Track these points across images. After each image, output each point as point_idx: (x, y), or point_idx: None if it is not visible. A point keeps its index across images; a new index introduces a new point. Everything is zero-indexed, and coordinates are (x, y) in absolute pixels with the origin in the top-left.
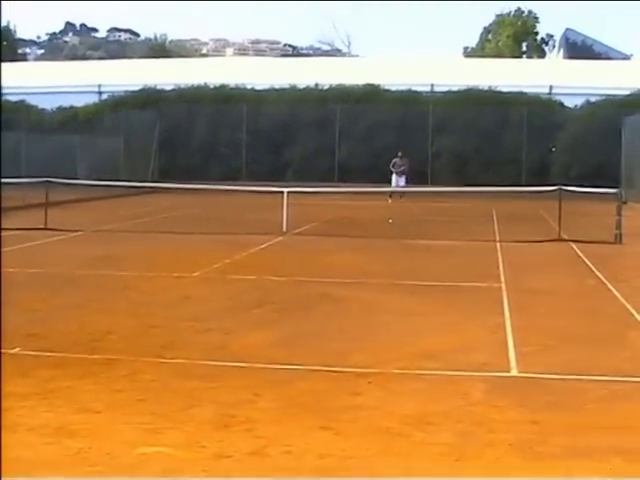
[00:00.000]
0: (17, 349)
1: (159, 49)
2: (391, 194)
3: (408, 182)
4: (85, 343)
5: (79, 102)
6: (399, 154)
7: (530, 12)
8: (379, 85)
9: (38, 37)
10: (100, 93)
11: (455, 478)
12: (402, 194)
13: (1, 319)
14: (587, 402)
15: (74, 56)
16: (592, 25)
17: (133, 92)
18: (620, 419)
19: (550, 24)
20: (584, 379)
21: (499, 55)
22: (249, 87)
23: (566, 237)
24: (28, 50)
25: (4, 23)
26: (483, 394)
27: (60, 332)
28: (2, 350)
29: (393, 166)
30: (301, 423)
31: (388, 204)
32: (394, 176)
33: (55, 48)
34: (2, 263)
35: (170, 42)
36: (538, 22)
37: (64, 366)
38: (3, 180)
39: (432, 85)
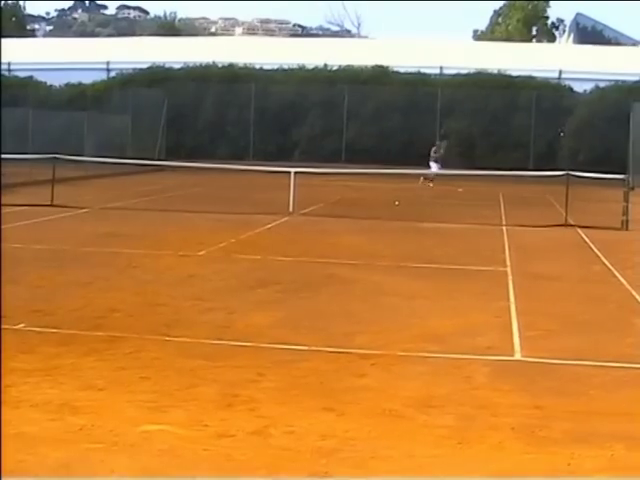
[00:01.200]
0: (22, 325)
1: (168, 27)
2: (432, 178)
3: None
4: (89, 320)
5: (87, 79)
6: (437, 142)
7: None
8: (388, 67)
9: (47, 13)
10: (108, 70)
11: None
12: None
13: (1, 300)
14: (590, 388)
15: (83, 33)
16: (603, 10)
17: (141, 70)
18: (623, 405)
19: (561, 8)
20: (588, 365)
21: (509, 39)
22: (257, 67)
23: (573, 222)
24: (37, 26)
25: None
26: (486, 378)
27: (65, 309)
28: (7, 326)
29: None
30: (304, 404)
31: (430, 187)
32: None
33: (64, 25)
34: (2, 240)
35: (179, 20)
36: (549, 6)
37: (68, 343)
38: (10, 156)
39: (441, 68)
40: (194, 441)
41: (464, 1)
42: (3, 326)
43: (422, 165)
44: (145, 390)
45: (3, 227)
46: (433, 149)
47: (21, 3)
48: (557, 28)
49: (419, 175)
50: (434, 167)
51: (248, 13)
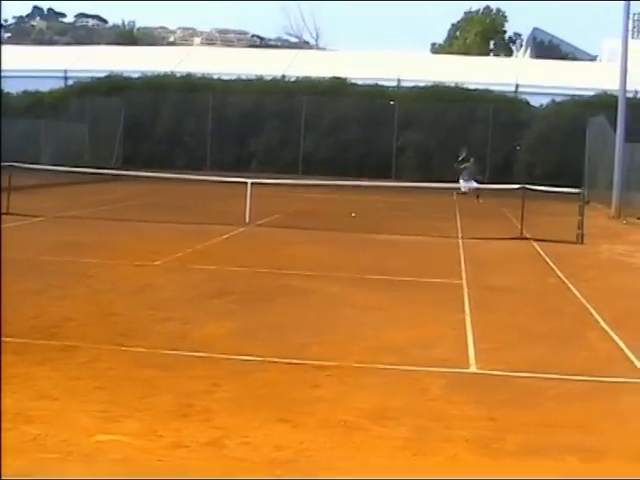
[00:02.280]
0: None
1: (127, 36)
2: (478, 195)
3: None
4: (44, 329)
5: (45, 87)
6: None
7: (499, 10)
8: (346, 79)
9: (5, 20)
10: (66, 78)
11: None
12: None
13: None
14: (544, 400)
15: (41, 41)
16: (560, 25)
17: (99, 78)
18: (577, 418)
19: (518, 23)
20: (542, 377)
21: (466, 52)
22: (216, 77)
23: (528, 235)
24: None
25: None
26: (441, 390)
27: (19, 318)
28: None
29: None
30: (259, 414)
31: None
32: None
33: (22, 32)
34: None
35: (138, 29)
36: (506, 21)
37: (23, 352)
38: None
39: (399, 80)
40: (148, 451)
41: (422, 14)
42: None
43: (380, 176)
44: (100, 400)
45: None
46: (463, 165)
47: None
48: (514, 42)
49: (374, 187)
50: (469, 183)
51: (207, 23)
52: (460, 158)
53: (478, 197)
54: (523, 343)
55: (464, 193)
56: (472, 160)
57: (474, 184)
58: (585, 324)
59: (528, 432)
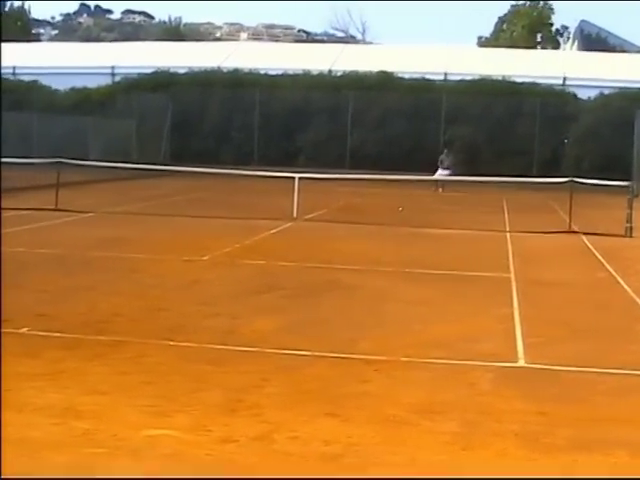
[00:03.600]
0: (26, 329)
1: (173, 32)
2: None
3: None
4: (93, 325)
5: (92, 83)
6: (445, 151)
7: (545, 3)
8: (392, 73)
9: (52, 18)
10: (113, 75)
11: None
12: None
13: (1, 303)
14: (594, 395)
15: (88, 37)
16: (607, 17)
17: (146, 75)
18: (626, 413)
19: (565, 15)
20: (591, 371)
21: (513, 45)
22: (262, 72)
23: (576, 229)
24: (42, 30)
25: (18, 3)
26: (490, 384)
27: (69, 313)
28: (11, 330)
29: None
30: (308, 409)
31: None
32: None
33: (69, 29)
34: (2, 243)
35: (184, 25)
36: (553, 13)
37: (72, 347)
38: (15, 160)
39: (445, 74)
40: (198, 446)
41: (469, 7)
42: (7, 330)
43: (427, 171)
44: (149, 395)
45: (7, 231)
46: (441, 157)
47: (26, 7)
48: (562, 35)
49: (425, 181)
50: (444, 173)
51: (253, 18)
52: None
53: (440, 187)
54: (572, 337)
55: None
56: (445, 151)
57: (444, 173)
58: (635, 318)
59: (578, 427)
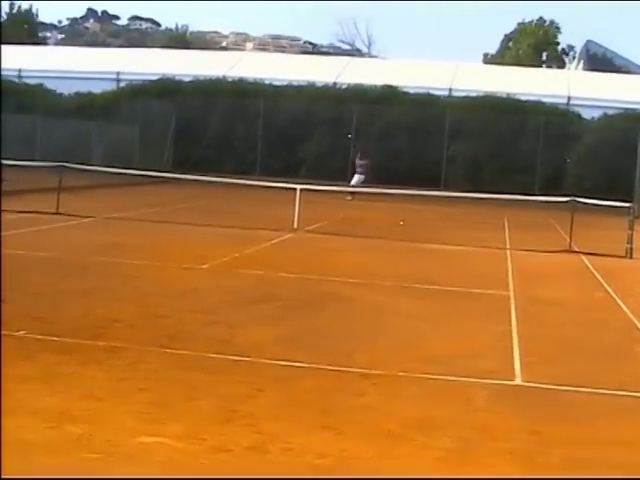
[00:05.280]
0: (23, 332)
1: (179, 40)
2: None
3: (364, 182)
4: (90, 330)
5: (97, 88)
6: (358, 155)
7: (552, 22)
8: (397, 87)
9: (59, 22)
10: (118, 81)
11: (452, 476)
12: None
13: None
14: (590, 415)
15: (94, 42)
16: (613, 38)
17: (151, 81)
18: (622, 434)
19: (571, 35)
20: (588, 392)
21: (519, 63)
22: (267, 82)
23: (576, 249)
24: (49, 34)
25: (26, 6)
26: (486, 401)
27: (66, 317)
28: (7, 332)
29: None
30: (303, 421)
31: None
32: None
33: (75, 33)
34: (2, 247)
35: (190, 33)
36: (560, 32)
37: (68, 351)
38: (17, 163)
39: (450, 90)
40: (191, 454)
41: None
42: (3, 333)
43: (429, 186)
44: (144, 401)
45: (6, 234)
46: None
47: (34, 10)
48: (567, 54)
49: (425, 196)
50: (355, 178)
51: (260, 29)
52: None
53: (352, 195)
54: (569, 357)
55: (353, 194)
56: (359, 155)
57: (358, 180)
58: (632, 339)
59: (573, 447)
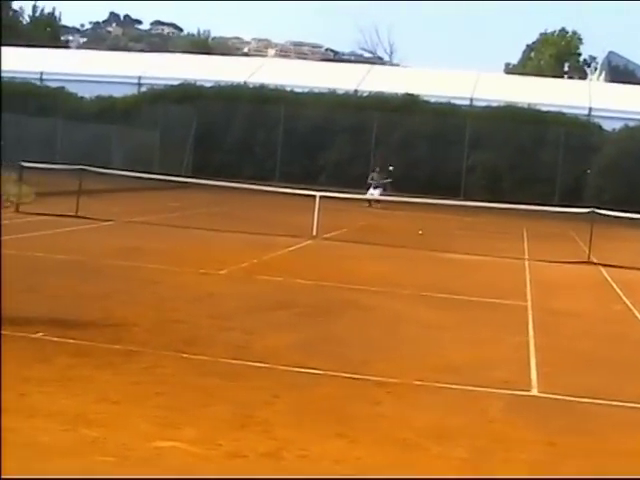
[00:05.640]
0: (40, 334)
1: (201, 45)
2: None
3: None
4: (108, 333)
5: (118, 92)
6: (376, 169)
7: (574, 33)
8: (418, 95)
9: (82, 25)
10: (140, 85)
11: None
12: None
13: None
14: (606, 427)
15: (116, 46)
16: (636, 50)
17: (172, 86)
18: (638, 447)
19: (593, 46)
20: (604, 404)
21: (540, 74)
22: (288, 89)
23: (595, 260)
24: (71, 38)
25: (49, 9)
26: (502, 412)
27: (84, 320)
28: (24, 334)
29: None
30: (318, 428)
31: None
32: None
33: (98, 37)
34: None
35: (212, 39)
36: (582, 43)
37: (85, 354)
38: (37, 165)
39: (471, 99)
40: (206, 460)
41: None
42: (21, 334)
43: (449, 195)
44: (159, 406)
45: (26, 236)
46: (372, 176)
47: (56, 14)
48: (589, 65)
49: (446, 206)
50: (376, 192)
51: (281, 35)
52: (375, 170)
53: (370, 203)
54: (586, 369)
55: (370, 201)
56: (377, 169)
57: (377, 192)
58: None
59: (588, 458)
